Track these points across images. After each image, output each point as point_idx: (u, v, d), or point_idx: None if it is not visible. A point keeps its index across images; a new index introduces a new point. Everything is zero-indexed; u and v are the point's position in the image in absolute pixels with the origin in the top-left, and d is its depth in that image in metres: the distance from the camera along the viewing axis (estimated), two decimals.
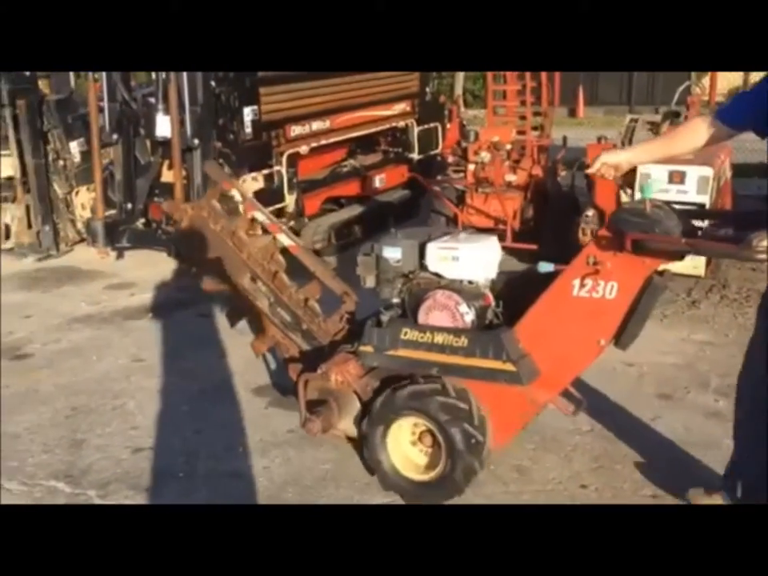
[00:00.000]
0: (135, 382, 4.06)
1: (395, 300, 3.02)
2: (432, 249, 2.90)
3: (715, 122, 2.41)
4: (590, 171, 2.58)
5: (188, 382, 3.99)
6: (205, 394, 3.87)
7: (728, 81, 14.70)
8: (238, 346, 4.30)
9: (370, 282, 3.09)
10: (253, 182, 5.46)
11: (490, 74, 6.74)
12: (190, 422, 3.58)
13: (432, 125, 7.44)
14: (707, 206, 4.53)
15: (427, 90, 7.52)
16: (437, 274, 2.92)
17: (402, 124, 7.15)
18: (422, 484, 2.86)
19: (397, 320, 2.95)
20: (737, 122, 2.39)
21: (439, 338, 2.79)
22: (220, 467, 3.19)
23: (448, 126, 7.96)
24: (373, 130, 6.82)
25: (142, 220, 5.66)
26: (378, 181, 6.79)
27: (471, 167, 5.97)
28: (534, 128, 6.32)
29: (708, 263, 5.04)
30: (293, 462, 3.22)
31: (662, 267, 2.59)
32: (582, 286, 2.55)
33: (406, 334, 2.86)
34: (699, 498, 2.72)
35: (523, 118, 6.30)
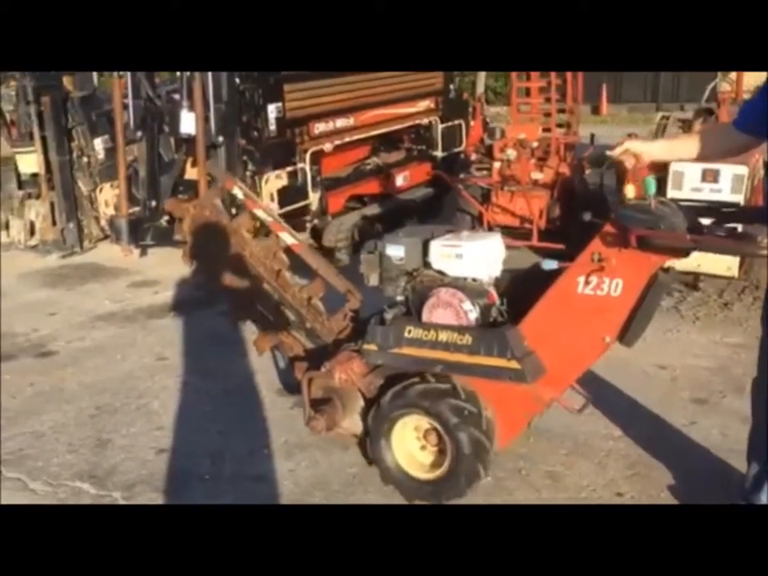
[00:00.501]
0: (159, 381, 4.04)
1: (399, 298, 2.99)
2: (435, 246, 2.87)
3: (732, 127, 2.39)
4: (610, 153, 2.52)
5: (211, 382, 3.96)
6: (228, 394, 3.84)
7: (754, 78, 14.51)
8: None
9: (373, 280, 3.05)
10: (276, 179, 5.42)
11: (514, 72, 6.66)
12: (213, 422, 3.55)
13: (456, 122, 7.38)
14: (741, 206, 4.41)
15: (451, 87, 7.45)
16: (440, 272, 2.89)
17: (425, 121, 7.09)
18: (424, 482, 2.86)
19: (400, 318, 2.93)
20: (747, 127, 2.34)
21: (443, 336, 2.76)
22: (245, 470, 3.15)
23: (471, 123, 7.91)
24: (396, 127, 6.76)
25: (166, 217, 5.63)
26: (402, 179, 6.73)
27: (497, 165, 5.89)
28: (560, 125, 6.23)
29: (741, 264, 4.92)
30: (319, 464, 3.17)
31: (667, 264, 2.57)
32: (587, 283, 2.54)
33: (410, 331, 2.83)
34: None
35: (548, 115, 6.20)
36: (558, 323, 2.64)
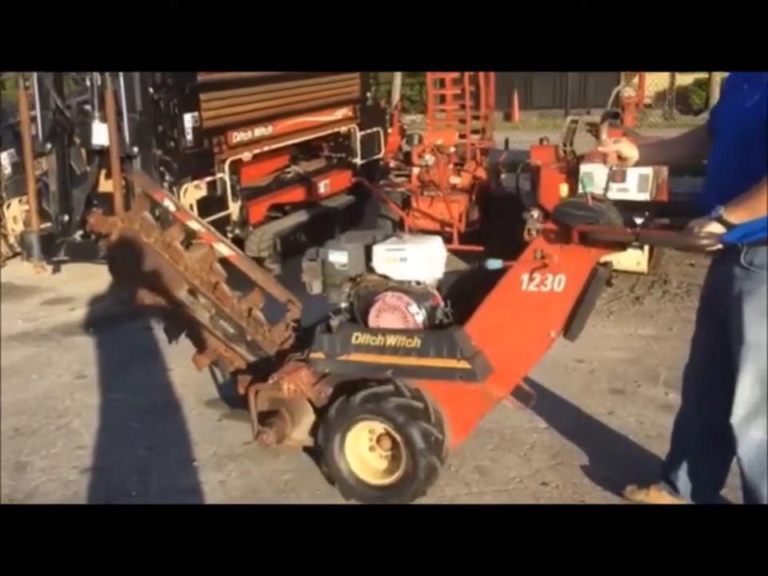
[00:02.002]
0: (79, 399, 3.91)
1: (343, 305, 2.99)
2: (379, 251, 2.89)
3: (705, 131, 2.49)
4: (600, 149, 2.58)
5: (136, 398, 3.86)
6: (155, 409, 3.75)
7: (655, 83, 15.27)
8: (187, 358, 4.19)
9: (316, 287, 3.05)
10: (195, 190, 5.33)
11: (429, 79, 6.80)
12: (140, 438, 3.46)
13: (374, 130, 7.44)
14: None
15: (368, 95, 7.53)
16: (384, 276, 2.91)
17: (344, 129, 7.13)
18: (384, 488, 2.83)
19: (347, 324, 2.92)
20: (708, 127, 2.46)
21: (391, 340, 2.78)
22: (174, 484, 3.09)
23: (389, 130, 8.01)
24: (316, 135, 6.78)
25: (80, 232, 5.46)
26: (323, 186, 6.74)
27: (416, 171, 5.99)
28: (475, 131, 6.40)
29: (650, 260, 5.17)
30: (250, 474, 3.14)
31: (603, 259, 2.63)
32: (531, 280, 2.59)
33: (357, 338, 2.83)
34: (636, 494, 2.77)
35: (463, 121, 6.36)
36: (504, 321, 2.69)
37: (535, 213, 5.32)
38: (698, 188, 6.79)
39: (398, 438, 2.76)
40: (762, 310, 2.21)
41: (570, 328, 2.67)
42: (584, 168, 4.80)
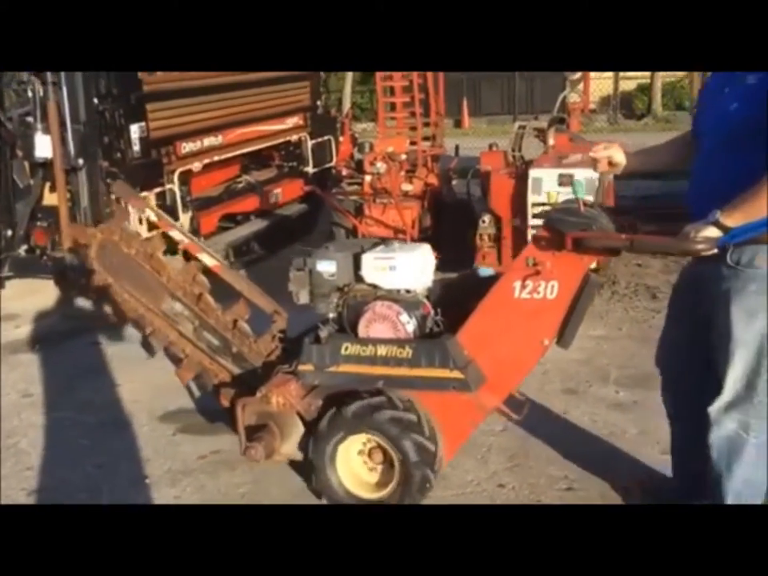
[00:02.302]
0: (26, 418, 3.79)
1: (331, 315, 2.93)
2: (368, 259, 2.85)
3: (690, 135, 2.54)
4: (592, 154, 2.58)
5: (85, 415, 3.77)
6: (105, 426, 3.67)
7: (599, 90, 15.62)
8: (139, 372, 4.12)
9: (303, 297, 2.98)
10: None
11: (379, 87, 6.82)
12: (90, 456, 3.38)
13: (325, 138, 7.43)
14: (594, 207, 4.72)
15: (318, 103, 7.52)
16: (373, 285, 2.86)
17: (295, 138, 7.10)
18: (375, 502, 2.76)
19: (336, 335, 2.86)
20: (692, 131, 2.51)
21: (382, 351, 2.72)
22: (126, 502, 3.02)
23: (341, 139, 8.01)
24: (266, 144, 6.73)
25: (25, 246, 5.31)
26: (275, 196, 6.69)
27: (368, 178, 6.00)
28: (426, 138, 6.44)
29: (598, 261, 5.27)
30: (206, 488, 3.09)
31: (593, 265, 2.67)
32: (524, 287, 2.57)
33: (346, 348, 2.77)
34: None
35: (414, 128, 6.40)
36: (497, 329, 2.66)
37: (486, 218, 5.41)
38: (642, 191, 6.93)
39: (390, 450, 2.70)
40: (748, 308, 2.23)
41: (563, 335, 2.64)
42: (533, 173, 4.88)
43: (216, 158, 6.05)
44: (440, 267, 5.21)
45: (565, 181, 4.77)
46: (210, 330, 3.22)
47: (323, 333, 2.84)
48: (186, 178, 5.69)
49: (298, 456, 2.92)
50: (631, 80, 16.64)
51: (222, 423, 3.61)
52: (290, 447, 2.89)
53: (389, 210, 5.89)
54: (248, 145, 6.44)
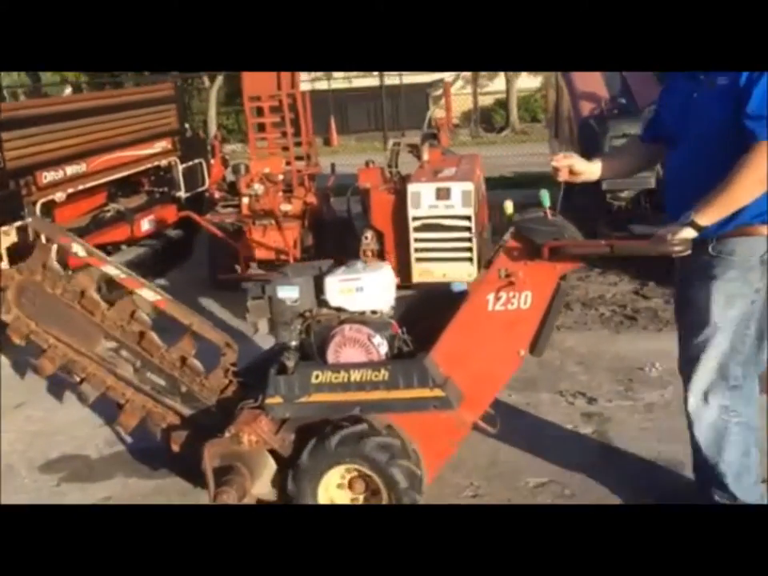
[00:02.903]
0: None
1: (293, 343, 2.80)
2: (332, 282, 2.76)
3: (638, 142, 2.65)
4: (554, 163, 2.59)
5: None
6: None
7: (461, 105, 16.26)
8: (12, 420, 3.82)
9: (262, 327, 2.86)
10: (4, 236, 4.88)
11: (247, 108, 6.72)
12: None
13: (196, 161, 7.24)
14: (472, 218, 4.88)
15: (186, 126, 7.33)
16: (338, 309, 2.77)
17: (164, 162, 6.87)
18: None
19: (304, 364, 2.72)
20: (653, 138, 2.61)
21: (356, 376, 2.62)
22: None
23: (212, 161, 7.85)
24: (134, 170, 6.46)
25: None
26: (147, 223, 6.43)
27: (245, 200, 5.90)
28: (299, 158, 6.41)
29: (479, 270, 5.44)
30: None
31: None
32: (497, 299, 2.56)
33: (317, 377, 2.65)
34: None
35: (286, 148, 6.36)
36: (472, 344, 2.63)
37: (368, 234, 5.45)
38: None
39: (377, 479, 2.59)
40: (727, 294, 2.31)
41: (536, 344, 2.65)
42: (411, 188, 4.97)
43: (81, 187, 5.74)
44: None
45: (442, 194, 4.91)
46: (154, 369, 3.01)
47: (290, 362, 2.69)
48: (48, 209, 5.36)
49: (272, 496, 2.76)
50: (489, 95, 17.46)
51: (111, 466, 3.43)
52: (262, 486, 2.73)
53: (269, 231, 5.82)
54: (115, 171, 6.17)
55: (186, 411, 3.02)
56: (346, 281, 2.76)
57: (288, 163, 6.20)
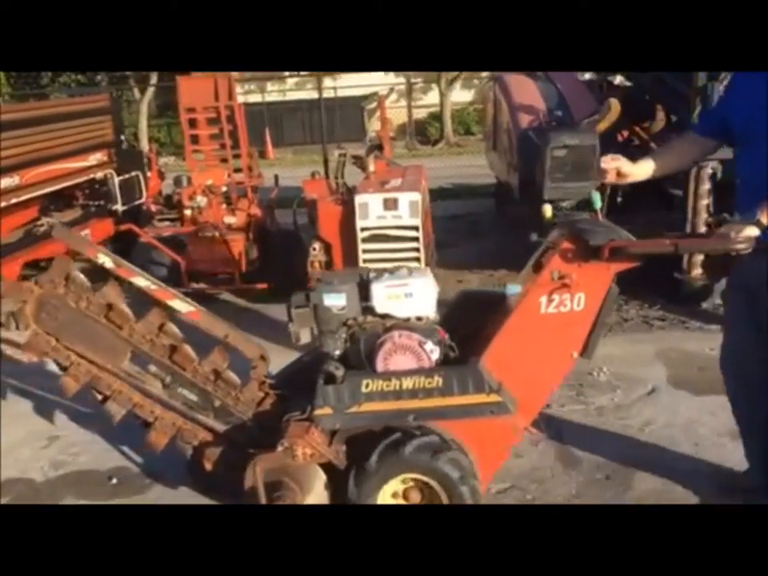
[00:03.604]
0: None
1: (336, 352, 2.72)
2: (379, 288, 2.69)
3: (692, 134, 2.68)
4: (603, 165, 2.61)
5: None
6: None
7: (396, 118, 16.42)
8: None
9: (304, 337, 2.76)
10: None
11: (183, 120, 6.61)
12: None
13: (133, 174, 7.08)
14: (420, 228, 4.92)
15: (122, 138, 7.16)
16: (385, 315, 2.71)
17: (100, 175, 6.69)
18: None
19: (353, 373, 2.66)
20: (706, 131, 2.67)
21: (408, 383, 2.56)
22: None
23: (148, 174, 7.68)
24: (69, 183, 6.28)
25: None
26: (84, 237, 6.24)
27: (188, 213, 5.80)
28: (239, 170, 6.33)
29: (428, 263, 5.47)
30: None
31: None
32: (550, 302, 2.55)
33: (367, 385, 2.59)
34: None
35: (224, 160, 6.28)
36: (525, 347, 2.60)
37: (316, 246, 5.43)
38: (451, 211, 7.31)
39: (442, 493, 2.55)
40: None
41: (587, 346, 2.64)
42: (359, 199, 4.97)
43: (13, 200, 5.54)
44: (272, 297, 5.15)
45: (390, 205, 4.93)
46: (186, 384, 2.87)
47: (338, 371, 2.63)
48: None
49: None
50: (423, 108, 17.68)
51: (58, 489, 3.29)
52: (316, 499, 2.63)
53: (213, 244, 5.73)
54: (49, 184, 5.98)
55: (220, 427, 2.90)
56: (395, 286, 2.71)
57: (229, 175, 6.13)
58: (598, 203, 2.58)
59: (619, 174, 2.62)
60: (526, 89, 6.47)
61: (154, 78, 16.43)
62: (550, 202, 5.62)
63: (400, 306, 2.71)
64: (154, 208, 7.02)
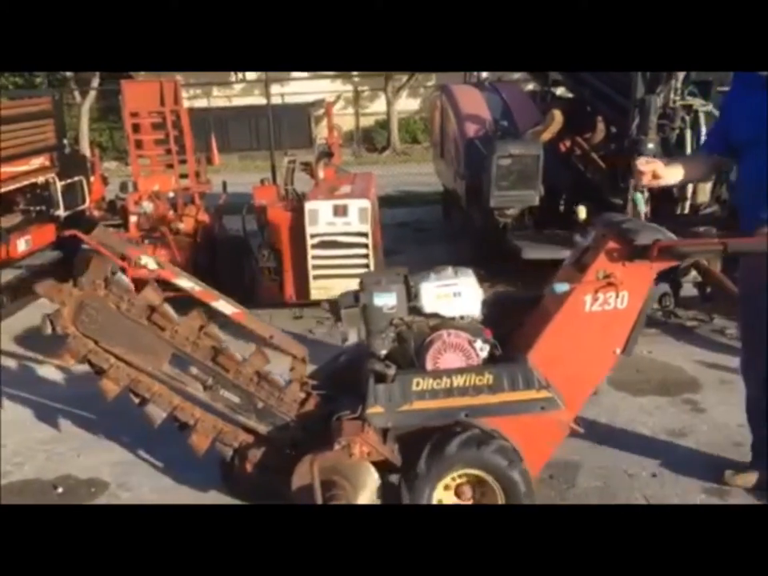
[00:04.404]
0: None
1: (383, 351, 2.72)
2: (428, 288, 2.74)
3: (703, 153, 2.88)
4: (640, 167, 2.72)
5: None
6: None
7: (346, 126, 16.47)
8: None
9: (352, 336, 2.78)
10: None
11: (128, 124, 6.51)
12: None
13: (76, 179, 6.91)
14: (369, 235, 4.98)
15: (65, 142, 7.00)
16: (433, 315, 2.74)
17: (41, 180, 6.52)
18: None
19: (403, 371, 2.68)
20: (712, 149, 2.86)
21: (459, 381, 2.61)
22: None
23: (92, 179, 7.52)
24: (9, 187, 6.09)
25: None
26: (24, 243, 6.08)
27: (134, 219, 5.72)
28: (185, 175, 6.26)
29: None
30: None
31: None
32: (595, 300, 2.63)
33: (418, 384, 2.62)
34: (733, 479, 3.01)
35: (170, 166, 6.20)
36: (570, 345, 2.67)
37: (265, 252, 5.43)
38: (398, 219, 7.43)
39: (495, 484, 2.58)
40: None
41: (627, 343, 2.72)
42: (309, 205, 5.01)
43: None
44: None
45: (340, 211, 4.98)
46: (228, 386, 2.84)
47: (389, 371, 2.64)
48: None
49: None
50: (370, 116, 17.78)
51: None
52: (367, 497, 2.63)
53: (160, 249, 5.66)
54: None
55: (263, 428, 2.87)
56: (443, 286, 2.76)
57: (176, 181, 6.06)
58: (641, 205, 2.69)
59: (654, 175, 2.74)
60: (472, 98, 6.62)
61: (95, 80, 16.09)
62: (496, 209, 5.80)
63: (449, 305, 2.75)
64: (97, 214, 6.89)
